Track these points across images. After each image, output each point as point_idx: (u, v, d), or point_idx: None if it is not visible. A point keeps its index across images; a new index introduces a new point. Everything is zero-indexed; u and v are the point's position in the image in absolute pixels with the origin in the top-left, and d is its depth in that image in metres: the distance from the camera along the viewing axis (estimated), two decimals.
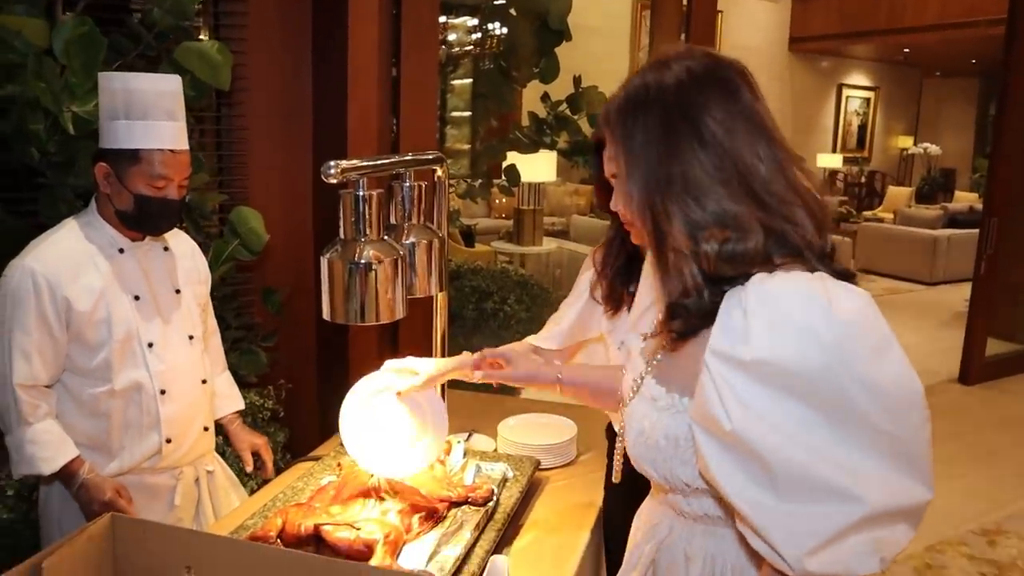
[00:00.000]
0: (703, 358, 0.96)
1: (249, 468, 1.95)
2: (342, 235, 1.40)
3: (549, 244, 6.96)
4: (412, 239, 1.62)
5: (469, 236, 6.36)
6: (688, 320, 1.02)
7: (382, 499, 1.52)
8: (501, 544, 1.57)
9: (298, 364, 2.87)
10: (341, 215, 1.38)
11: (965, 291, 5.91)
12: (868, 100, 13.73)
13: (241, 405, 2.01)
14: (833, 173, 13.11)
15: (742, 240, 0.98)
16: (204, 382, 1.86)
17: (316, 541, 1.42)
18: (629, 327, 1.37)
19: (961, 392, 5.33)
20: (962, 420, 4.83)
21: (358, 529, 1.39)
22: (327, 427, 2.80)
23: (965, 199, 11.16)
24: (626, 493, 1.31)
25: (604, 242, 1.77)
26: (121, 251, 1.69)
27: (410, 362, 1.57)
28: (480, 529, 1.54)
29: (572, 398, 1.49)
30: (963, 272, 7.51)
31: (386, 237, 1.43)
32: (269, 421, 2.34)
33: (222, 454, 2.01)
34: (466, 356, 1.54)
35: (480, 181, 3.76)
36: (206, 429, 1.87)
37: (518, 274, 3.73)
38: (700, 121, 1.01)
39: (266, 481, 2.10)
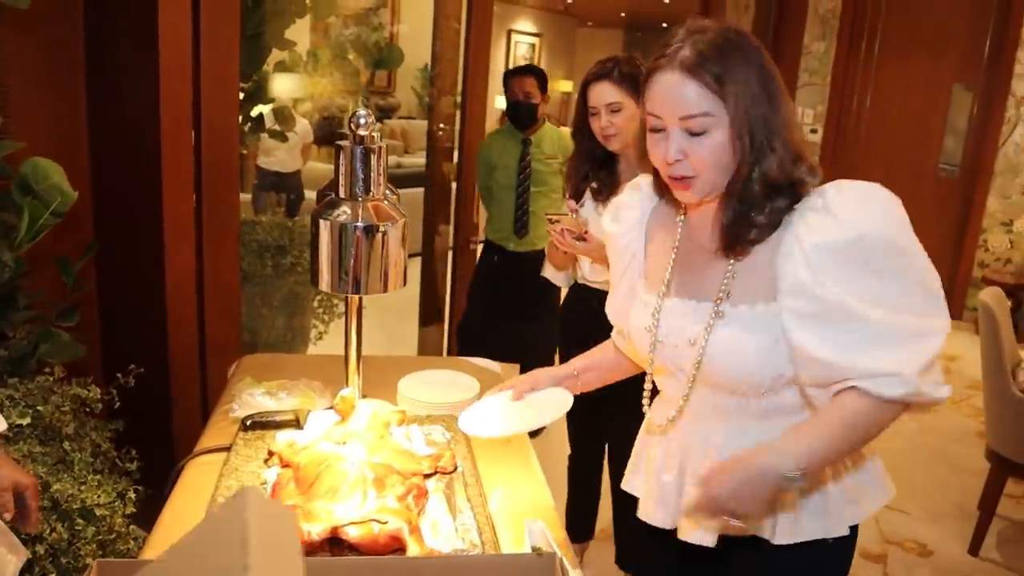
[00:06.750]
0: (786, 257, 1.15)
1: (9, 515, 1.33)
2: (342, 193, 1.21)
3: None
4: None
5: None
6: (760, 231, 1.18)
7: (382, 486, 1.36)
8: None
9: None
10: (344, 170, 1.18)
11: None
12: (534, 46, 14.72)
13: (3, 425, 1.40)
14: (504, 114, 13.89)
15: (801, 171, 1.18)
16: None
17: (330, 545, 1.25)
18: (644, 289, 1.39)
19: None
20: None
21: (384, 523, 1.25)
22: (157, 416, 2.36)
23: None
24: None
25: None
26: None
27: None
28: (469, 498, 1.47)
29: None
30: None
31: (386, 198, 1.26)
32: (96, 417, 1.92)
33: None
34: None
35: (249, 124, 3.34)
36: None
37: (303, 225, 3.44)
38: (776, 73, 1.17)
39: (28, 535, 1.51)
